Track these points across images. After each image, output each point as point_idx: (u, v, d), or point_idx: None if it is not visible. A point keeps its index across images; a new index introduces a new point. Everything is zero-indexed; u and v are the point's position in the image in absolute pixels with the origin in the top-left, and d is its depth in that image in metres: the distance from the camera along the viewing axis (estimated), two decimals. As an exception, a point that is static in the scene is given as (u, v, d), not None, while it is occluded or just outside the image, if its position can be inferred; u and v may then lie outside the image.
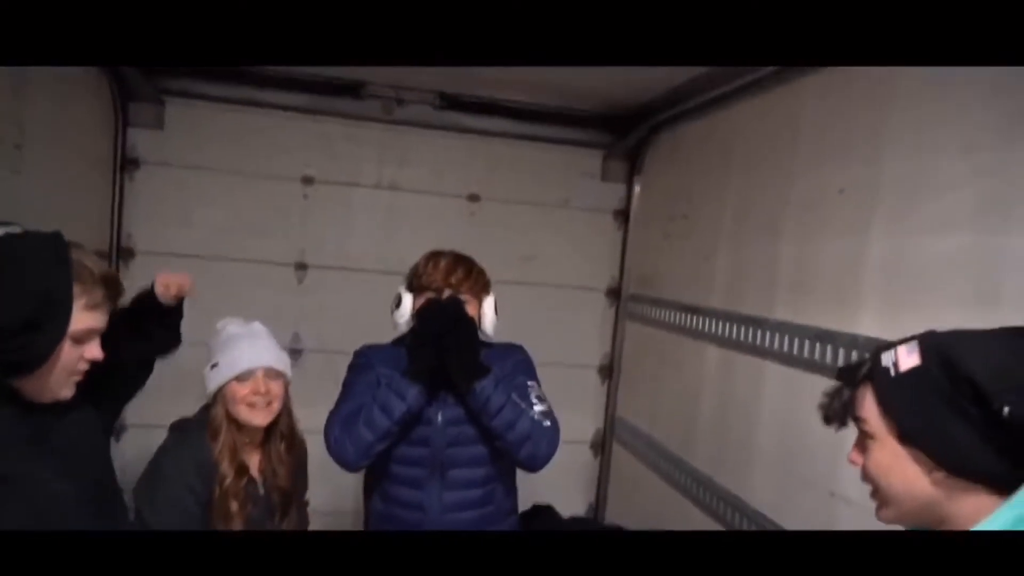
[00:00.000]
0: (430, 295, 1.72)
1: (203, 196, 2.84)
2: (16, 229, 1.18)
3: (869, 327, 1.61)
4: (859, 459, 0.92)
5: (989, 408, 0.76)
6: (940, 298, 1.42)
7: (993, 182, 1.34)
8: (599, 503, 3.27)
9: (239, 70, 2.75)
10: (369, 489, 1.82)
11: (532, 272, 3.14)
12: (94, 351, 1.20)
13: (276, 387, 1.76)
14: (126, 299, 1.44)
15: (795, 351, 1.87)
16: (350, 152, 2.96)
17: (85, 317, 1.16)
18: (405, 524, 1.74)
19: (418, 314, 1.71)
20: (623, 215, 3.18)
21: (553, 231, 3.15)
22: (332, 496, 2.69)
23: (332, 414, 1.71)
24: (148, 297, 1.50)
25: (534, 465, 1.70)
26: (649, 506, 2.75)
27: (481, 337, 1.76)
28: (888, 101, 1.61)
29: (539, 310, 3.14)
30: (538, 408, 1.69)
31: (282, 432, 1.82)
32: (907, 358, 0.85)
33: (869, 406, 0.89)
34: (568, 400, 3.18)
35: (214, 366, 1.73)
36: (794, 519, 1.85)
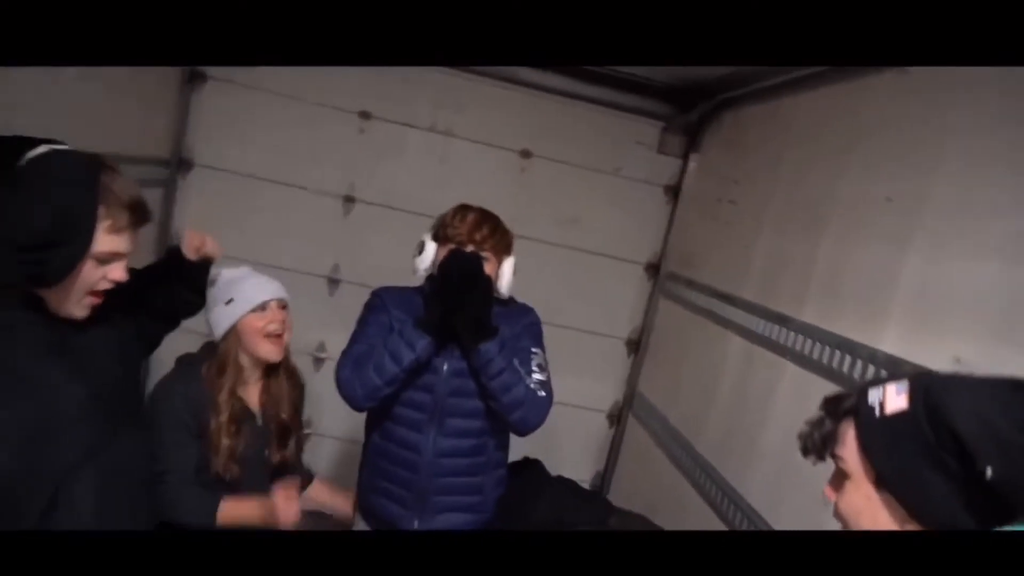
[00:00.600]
0: (453, 247, 1.74)
1: (263, 118, 2.89)
2: (61, 147, 1.20)
3: (891, 344, 1.55)
4: (832, 496, 0.89)
5: (971, 466, 0.72)
6: (965, 327, 1.36)
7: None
8: (606, 473, 3.30)
9: None
10: (371, 424, 1.89)
11: (574, 237, 3.13)
12: (117, 272, 1.24)
13: (288, 317, 1.82)
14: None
15: (815, 355, 1.82)
16: (407, 93, 2.96)
17: (109, 239, 1.20)
18: (399, 462, 1.82)
19: (440, 266, 1.73)
20: (674, 191, 3.11)
21: (601, 198, 3.10)
22: (350, 425, 2.81)
23: (344, 353, 1.77)
24: (176, 252, 1.55)
25: (522, 430, 1.75)
26: (652, 484, 2.77)
27: (496, 295, 1.78)
28: (947, 115, 1.52)
29: (576, 275, 3.14)
30: (536, 376, 1.72)
31: (284, 366, 1.88)
32: (895, 399, 0.81)
33: (849, 444, 0.85)
34: (592, 368, 3.23)
35: (229, 302, 1.76)
36: (787, 523, 1.83)
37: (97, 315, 1.28)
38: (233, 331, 1.77)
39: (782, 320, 2.01)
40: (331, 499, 2.07)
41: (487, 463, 1.85)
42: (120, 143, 2.29)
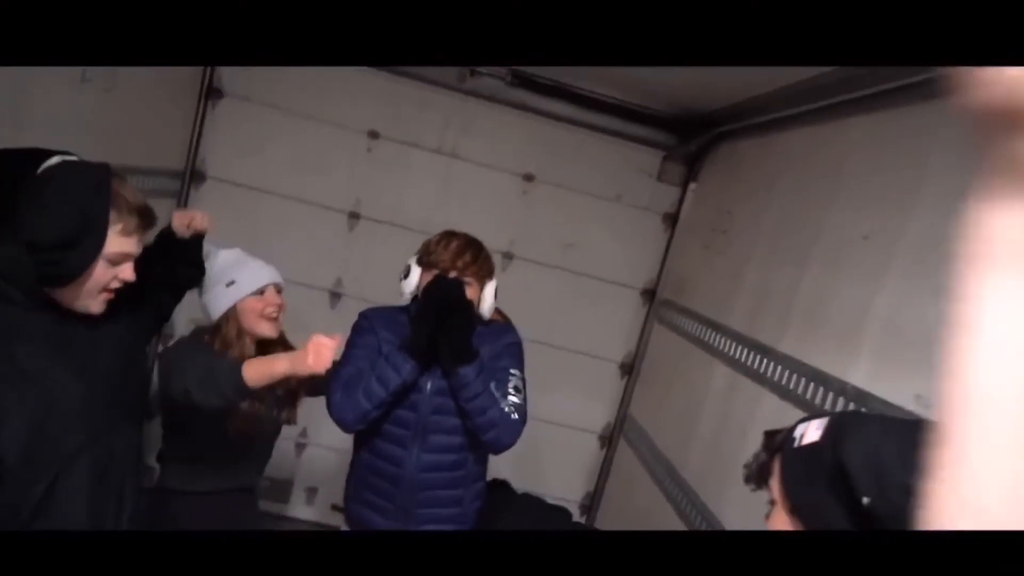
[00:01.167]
0: (437, 273, 1.81)
1: (275, 134, 3.00)
2: (72, 158, 1.31)
3: (860, 379, 1.59)
4: (767, 522, 0.94)
5: (854, 497, 0.76)
6: (929, 366, 1.40)
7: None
8: (596, 494, 3.33)
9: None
10: (359, 439, 1.96)
11: (573, 260, 3.19)
12: (127, 273, 1.35)
13: (283, 301, 1.93)
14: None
15: (791, 386, 1.86)
16: (417, 115, 3.05)
17: (119, 241, 1.31)
18: (384, 475, 1.88)
19: (424, 291, 1.80)
20: (672, 219, 3.17)
21: (601, 224, 3.17)
22: (346, 436, 2.86)
23: (334, 376, 1.82)
24: (167, 233, 1.66)
25: (496, 449, 1.83)
26: (638, 507, 2.80)
27: (478, 317, 1.85)
28: (928, 155, 1.57)
29: (573, 298, 3.20)
30: (512, 399, 1.78)
31: (282, 343, 1.96)
32: (812, 433, 0.84)
33: (775, 474, 0.90)
34: (586, 389, 3.27)
35: (231, 283, 1.85)
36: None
37: (103, 312, 1.36)
38: (233, 311, 1.86)
39: (764, 351, 2.05)
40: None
41: (467, 477, 1.91)
42: (136, 155, 2.40)
